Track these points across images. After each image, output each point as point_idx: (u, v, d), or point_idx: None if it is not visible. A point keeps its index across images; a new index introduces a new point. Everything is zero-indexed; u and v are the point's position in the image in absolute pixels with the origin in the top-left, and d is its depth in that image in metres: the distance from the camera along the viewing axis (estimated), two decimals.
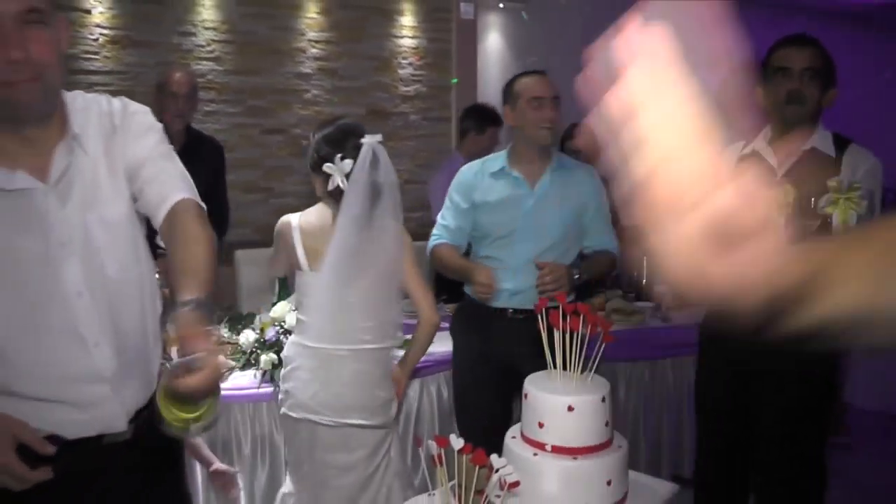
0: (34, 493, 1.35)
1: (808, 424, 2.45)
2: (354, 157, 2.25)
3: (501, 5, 5.80)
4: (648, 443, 3.59)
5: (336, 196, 2.30)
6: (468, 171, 2.83)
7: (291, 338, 2.46)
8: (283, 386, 2.42)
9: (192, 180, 1.54)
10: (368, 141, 2.27)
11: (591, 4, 6.07)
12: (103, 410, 1.43)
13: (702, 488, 2.76)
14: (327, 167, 2.27)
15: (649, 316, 3.65)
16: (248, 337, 2.83)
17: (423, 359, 2.73)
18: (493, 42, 5.88)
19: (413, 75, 5.55)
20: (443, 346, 2.98)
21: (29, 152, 1.38)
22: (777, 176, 2.40)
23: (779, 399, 2.44)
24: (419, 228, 4.04)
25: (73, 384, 1.40)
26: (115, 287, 1.44)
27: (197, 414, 1.31)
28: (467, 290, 2.84)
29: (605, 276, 2.88)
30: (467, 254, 2.87)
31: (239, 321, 3.06)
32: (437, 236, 2.84)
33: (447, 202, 2.84)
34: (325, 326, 2.32)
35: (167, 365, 1.30)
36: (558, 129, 2.84)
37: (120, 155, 1.47)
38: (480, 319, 2.77)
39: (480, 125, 4.33)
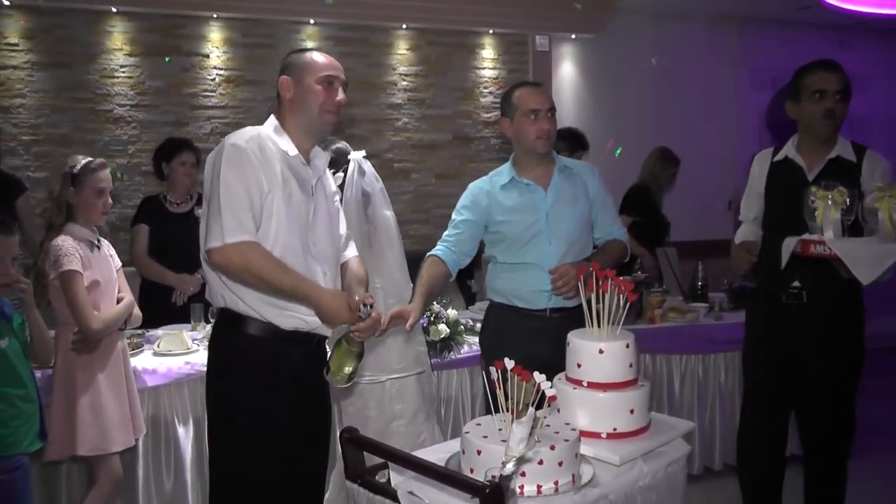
0: (302, 359, 2.21)
1: (842, 377, 2.91)
2: (345, 171, 2.92)
3: (573, 37, 6.26)
4: (702, 432, 3.93)
5: None
6: (477, 188, 2.84)
7: None
8: None
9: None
10: (354, 156, 2.94)
11: (660, 34, 6.51)
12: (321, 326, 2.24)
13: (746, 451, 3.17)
14: None
15: (703, 315, 4.02)
16: None
17: (475, 350, 3.40)
18: (567, 71, 6.34)
19: (494, 103, 6.04)
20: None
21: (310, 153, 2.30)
22: (809, 179, 2.83)
23: (818, 362, 2.89)
24: None
25: None
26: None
27: (353, 367, 2.17)
28: (493, 296, 2.88)
29: (618, 264, 2.79)
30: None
31: None
32: (437, 248, 2.79)
33: (454, 215, 2.83)
34: None
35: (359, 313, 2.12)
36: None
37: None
38: (516, 325, 2.77)
39: (573, 147, 4.48)
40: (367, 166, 2.98)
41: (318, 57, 2.26)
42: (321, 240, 2.25)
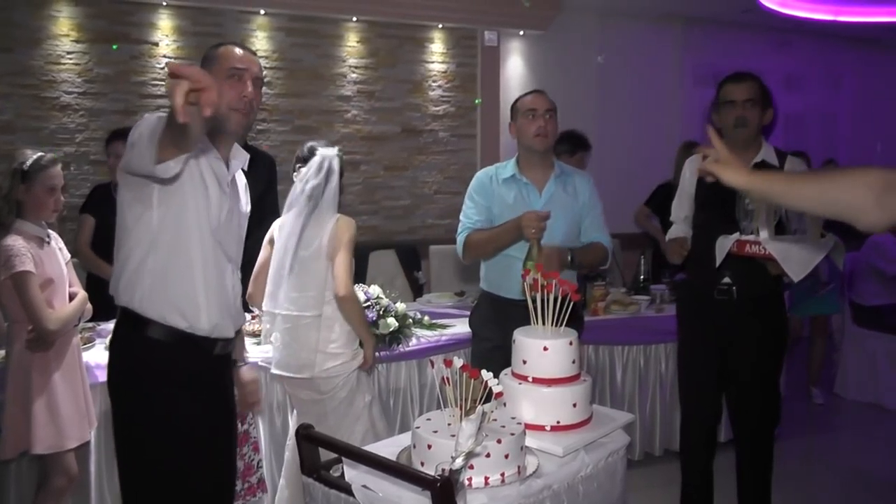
0: (209, 366, 2.16)
1: (769, 364, 3.13)
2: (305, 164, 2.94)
3: (521, 32, 6.35)
4: (643, 420, 4.09)
5: None
6: (484, 175, 3.11)
7: (266, 309, 3.00)
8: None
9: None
10: (322, 152, 2.92)
11: (606, 30, 6.64)
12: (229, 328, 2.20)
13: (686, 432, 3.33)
14: (294, 175, 2.98)
15: (644, 307, 4.16)
16: None
17: (423, 343, 3.48)
18: (515, 66, 6.43)
19: (442, 96, 6.14)
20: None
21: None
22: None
23: (748, 352, 3.08)
24: (447, 234, 4.54)
25: (231, 308, 2.20)
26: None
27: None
28: (484, 285, 3.13)
29: (596, 265, 3.14)
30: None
31: None
32: (465, 229, 3.06)
33: (468, 202, 3.09)
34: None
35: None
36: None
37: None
38: (499, 312, 3.00)
39: (573, 148, 4.58)
40: (335, 162, 2.94)
41: (229, 50, 2.12)
42: (230, 238, 2.18)
